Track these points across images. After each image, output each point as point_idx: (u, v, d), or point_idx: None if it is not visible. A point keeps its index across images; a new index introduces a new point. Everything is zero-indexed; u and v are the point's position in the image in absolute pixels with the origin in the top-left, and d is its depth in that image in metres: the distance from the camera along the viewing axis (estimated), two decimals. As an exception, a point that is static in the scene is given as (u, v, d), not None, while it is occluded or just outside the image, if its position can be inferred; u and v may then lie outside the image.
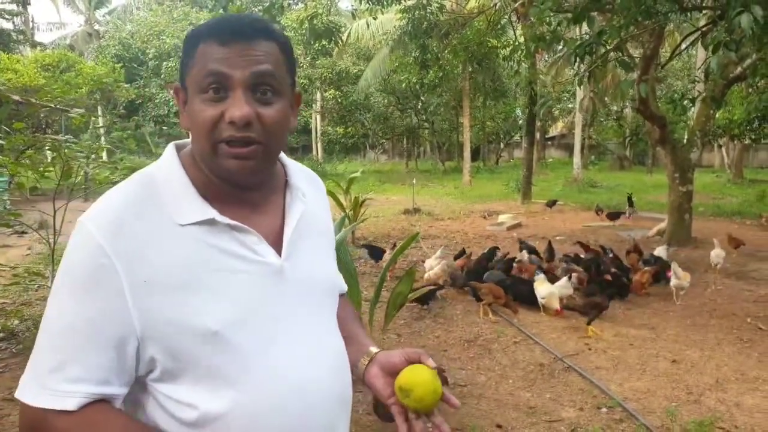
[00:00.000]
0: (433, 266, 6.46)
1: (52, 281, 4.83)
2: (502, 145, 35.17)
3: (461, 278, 6.34)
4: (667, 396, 3.89)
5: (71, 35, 37.67)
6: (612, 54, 6.77)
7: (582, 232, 10.35)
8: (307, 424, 1.01)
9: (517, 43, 11.03)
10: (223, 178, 1.00)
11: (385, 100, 28.08)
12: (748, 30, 4.19)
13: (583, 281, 6.04)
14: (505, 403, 3.83)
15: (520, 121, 26.14)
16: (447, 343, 4.94)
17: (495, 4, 15.31)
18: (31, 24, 30.34)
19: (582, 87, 14.55)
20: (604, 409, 3.70)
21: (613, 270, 6.31)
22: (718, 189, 17.75)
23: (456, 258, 7.19)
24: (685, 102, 7.27)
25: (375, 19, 15.46)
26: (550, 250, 7.49)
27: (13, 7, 22.84)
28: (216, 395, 0.95)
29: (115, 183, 1.03)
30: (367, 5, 12.66)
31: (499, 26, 15.90)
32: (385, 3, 12.57)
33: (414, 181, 15.17)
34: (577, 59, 6.08)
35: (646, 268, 6.40)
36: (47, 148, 4.76)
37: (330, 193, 7.44)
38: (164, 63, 26.55)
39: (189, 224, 0.96)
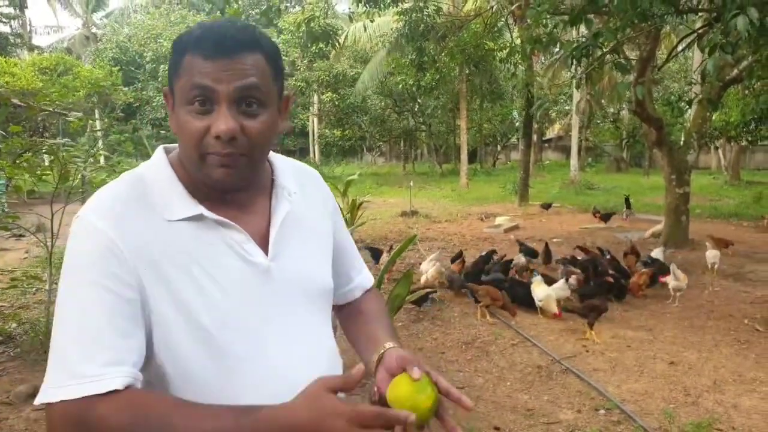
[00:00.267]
0: (428, 269, 6.46)
1: (49, 285, 4.82)
2: (499, 148, 35.18)
3: (459, 281, 6.34)
4: (664, 398, 3.90)
5: (69, 38, 37.66)
6: (608, 56, 6.79)
7: (579, 234, 10.36)
8: None
9: (513, 45, 11.05)
10: (208, 184, 1.01)
11: (382, 103, 28.09)
12: (744, 32, 4.20)
13: (582, 283, 6.05)
14: (503, 405, 3.83)
15: (517, 124, 26.19)
16: (445, 346, 4.94)
17: (491, 7, 15.36)
18: (28, 27, 30.31)
19: (579, 89, 14.61)
20: (602, 411, 3.71)
21: (610, 272, 6.31)
22: (715, 191, 17.78)
23: (453, 260, 7.20)
24: (682, 104, 7.30)
25: (372, 21, 15.50)
26: (547, 252, 7.51)
27: (11, 10, 22.85)
28: (202, 395, 0.94)
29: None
30: (364, 8, 12.70)
31: (495, 29, 15.96)
32: (382, 5, 12.61)
33: (411, 184, 15.18)
34: (574, 61, 6.10)
35: (644, 270, 6.41)
36: (44, 151, 4.75)
37: (328, 196, 7.41)
38: (161, 66, 26.57)
39: (178, 220, 0.98)
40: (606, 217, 11.25)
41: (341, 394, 0.91)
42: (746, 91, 12.61)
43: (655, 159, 22.67)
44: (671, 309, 5.87)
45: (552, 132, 36.87)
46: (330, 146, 32.97)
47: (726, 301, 6.13)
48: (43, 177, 4.77)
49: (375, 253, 7.65)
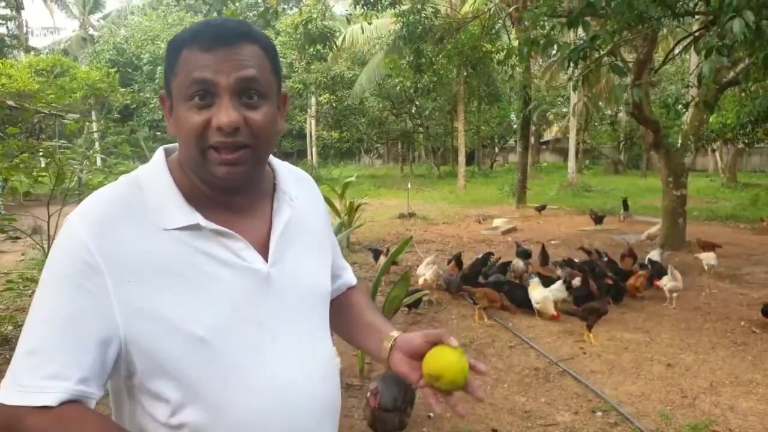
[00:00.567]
0: (425, 272, 6.45)
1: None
2: (496, 150, 35.22)
3: (456, 283, 6.34)
4: (661, 399, 3.90)
5: (65, 40, 37.69)
6: (606, 58, 6.81)
7: (577, 237, 10.37)
8: None
9: (511, 48, 11.07)
10: (211, 184, 0.99)
11: (380, 105, 28.11)
12: (740, 35, 4.22)
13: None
14: (501, 407, 3.83)
15: (515, 126, 26.19)
16: (442, 348, 4.93)
17: (489, 9, 15.39)
18: (24, 29, 30.24)
19: (576, 91, 14.62)
20: (599, 413, 3.71)
21: (609, 274, 6.31)
22: (712, 193, 17.81)
23: (449, 262, 7.20)
24: (679, 106, 7.29)
25: (370, 23, 15.51)
26: (544, 254, 7.51)
27: (7, 11, 22.81)
28: (199, 401, 0.94)
29: (108, 188, 1.03)
30: (362, 10, 12.69)
31: (493, 31, 15.98)
32: (379, 7, 12.61)
33: (409, 186, 15.19)
34: (571, 64, 6.10)
35: (641, 272, 6.42)
36: (41, 153, 4.74)
37: (325, 198, 7.40)
38: (159, 68, 26.56)
39: (174, 229, 0.96)
40: (599, 219, 11.27)
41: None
42: (743, 94, 12.62)
43: (653, 161, 22.72)
44: (668, 311, 5.88)
45: (550, 134, 36.92)
46: (327, 148, 33.01)
47: (723, 303, 6.14)
48: (40, 179, 4.76)
49: (376, 254, 7.75)
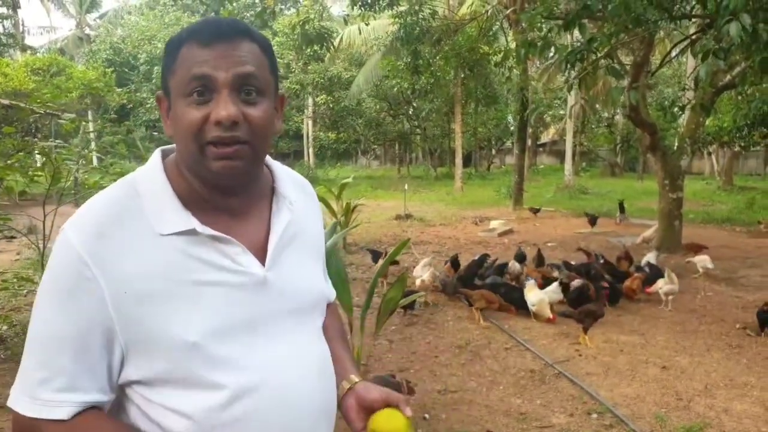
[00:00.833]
0: (422, 274, 6.45)
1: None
2: (493, 152, 35.27)
3: (452, 285, 6.34)
4: (656, 402, 3.91)
5: (62, 39, 37.60)
6: (603, 61, 6.81)
7: (573, 239, 10.38)
8: None
9: (508, 49, 11.09)
10: (208, 181, 0.99)
11: (377, 106, 28.13)
12: (737, 38, 4.22)
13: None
14: (496, 409, 3.83)
15: (512, 128, 26.22)
16: (438, 349, 4.94)
17: (487, 11, 15.41)
18: (21, 27, 30.17)
19: (573, 94, 14.64)
20: (594, 415, 3.71)
21: (605, 276, 6.33)
22: (708, 196, 17.84)
23: (446, 263, 7.20)
24: (675, 109, 7.33)
25: (367, 24, 15.53)
26: (540, 256, 7.51)
27: (3, 10, 22.75)
28: (196, 404, 0.95)
29: (104, 188, 1.02)
30: (360, 11, 12.71)
31: (490, 33, 16.02)
32: (377, 8, 12.63)
33: (406, 187, 15.17)
34: (568, 66, 6.11)
35: (637, 274, 6.43)
36: (37, 152, 4.73)
37: (321, 199, 7.45)
38: (155, 68, 26.54)
39: (170, 234, 0.96)
40: (593, 221, 11.30)
41: None
42: (739, 97, 12.65)
43: (649, 164, 22.72)
44: (664, 313, 5.88)
45: (547, 136, 36.96)
46: (324, 149, 33.04)
47: (718, 306, 6.16)
48: (35, 178, 4.75)
49: (375, 256, 7.76)
